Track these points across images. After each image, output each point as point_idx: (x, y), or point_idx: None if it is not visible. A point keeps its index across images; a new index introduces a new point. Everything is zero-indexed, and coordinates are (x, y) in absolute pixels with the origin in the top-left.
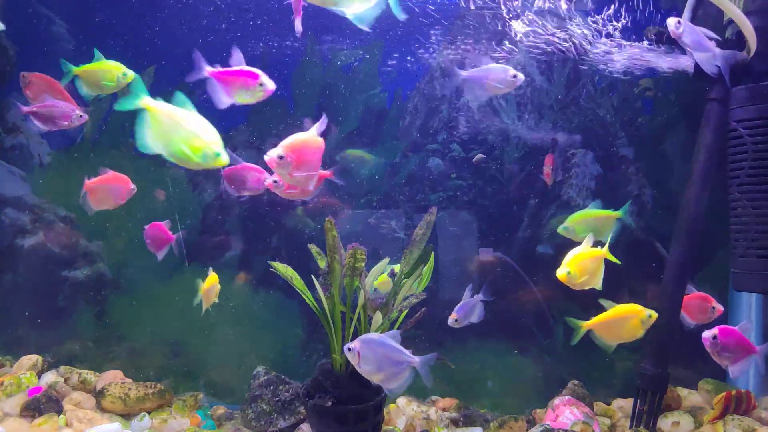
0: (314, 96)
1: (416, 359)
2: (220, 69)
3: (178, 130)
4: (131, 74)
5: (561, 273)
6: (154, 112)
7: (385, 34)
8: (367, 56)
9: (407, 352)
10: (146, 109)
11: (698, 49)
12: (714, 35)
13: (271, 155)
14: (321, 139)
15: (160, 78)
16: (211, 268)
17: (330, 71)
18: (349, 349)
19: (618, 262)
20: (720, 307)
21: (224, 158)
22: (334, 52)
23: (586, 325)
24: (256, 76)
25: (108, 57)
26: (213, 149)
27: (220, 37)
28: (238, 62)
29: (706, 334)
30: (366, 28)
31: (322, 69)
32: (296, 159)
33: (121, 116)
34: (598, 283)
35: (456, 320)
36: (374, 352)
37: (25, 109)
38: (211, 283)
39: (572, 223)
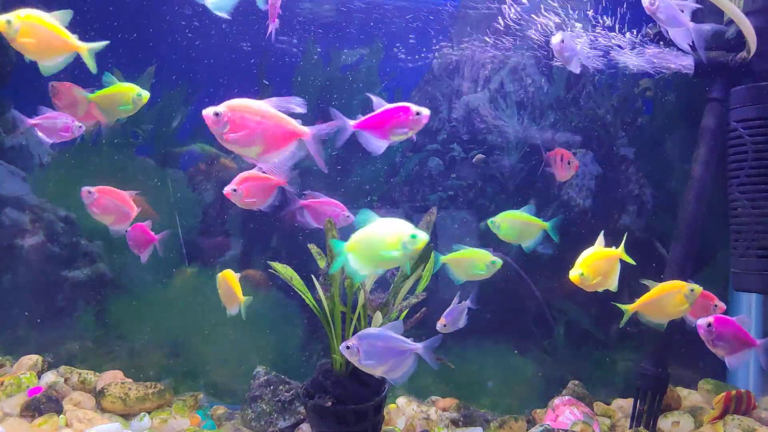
0: (314, 96)
1: (419, 345)
2: (362, 119)
3: (373, 244)
4: (146, 94)
5: (574, 274)
6: (353, 247)
7: (386, 34)
8: (367, 56)
9: (408, 340)
10: (349, 252)
11: (672, 24)
12: (692, 4)
13: (208, 111)
14: (273, 111)
15: (161, 77)
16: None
17: (330, 71)
18: (348, 347)
19: (633, 262)
20: (722, 305)
21: (422, 236)
22: (334, 52)
23: (631, 308)
24: (407, 110)
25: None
26: (407, 234)
27: (221, 37)
28: (380, 105)
29: (701, 322)
30: (225, 15)
31: (322, 69)
32: (234, 120)
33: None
34: (612, 285)
35: (444, 325)
36: (374, 346)
37: (30, 121)
38: (237, 286)
39: (500, 219)
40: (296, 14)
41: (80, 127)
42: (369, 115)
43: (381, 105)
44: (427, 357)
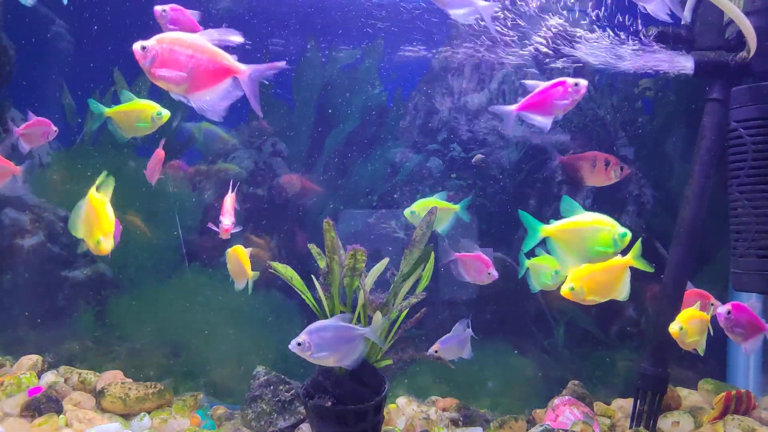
0: (314, 95)
1: (367, 329)
2: (522, 101)
3: (585, 238)
4: (166, 113)
5: (564, 290)
6: (556, 235)
7: (386, 34)
8: (367, 56)
9: (357, 326)
10: (550, 235)
11: (648, 0)
12: None
13: (136, 45)
14: (206, 44)
15: None
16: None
17: (330, 71)
18: (299, 344)
19: (650, 269)
20: (718, 304)
21: (629, 234)
22: (335, 51)
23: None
24: (564, 83)
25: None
26: (618, 233)
27: None
28: (534, 86)
29: (721, 309)
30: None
31: (322, 68)
32: (162, 54)
33: None
34: (620, 295)
35: (436, 351)
36: (324, 338)
37: (18, 130)
38: (246, 261)
39: (418, 209)
40: (296, 13)
41: (55, 131)
42: (528, 97)
43: (536, 86)
44: (375, 338)
